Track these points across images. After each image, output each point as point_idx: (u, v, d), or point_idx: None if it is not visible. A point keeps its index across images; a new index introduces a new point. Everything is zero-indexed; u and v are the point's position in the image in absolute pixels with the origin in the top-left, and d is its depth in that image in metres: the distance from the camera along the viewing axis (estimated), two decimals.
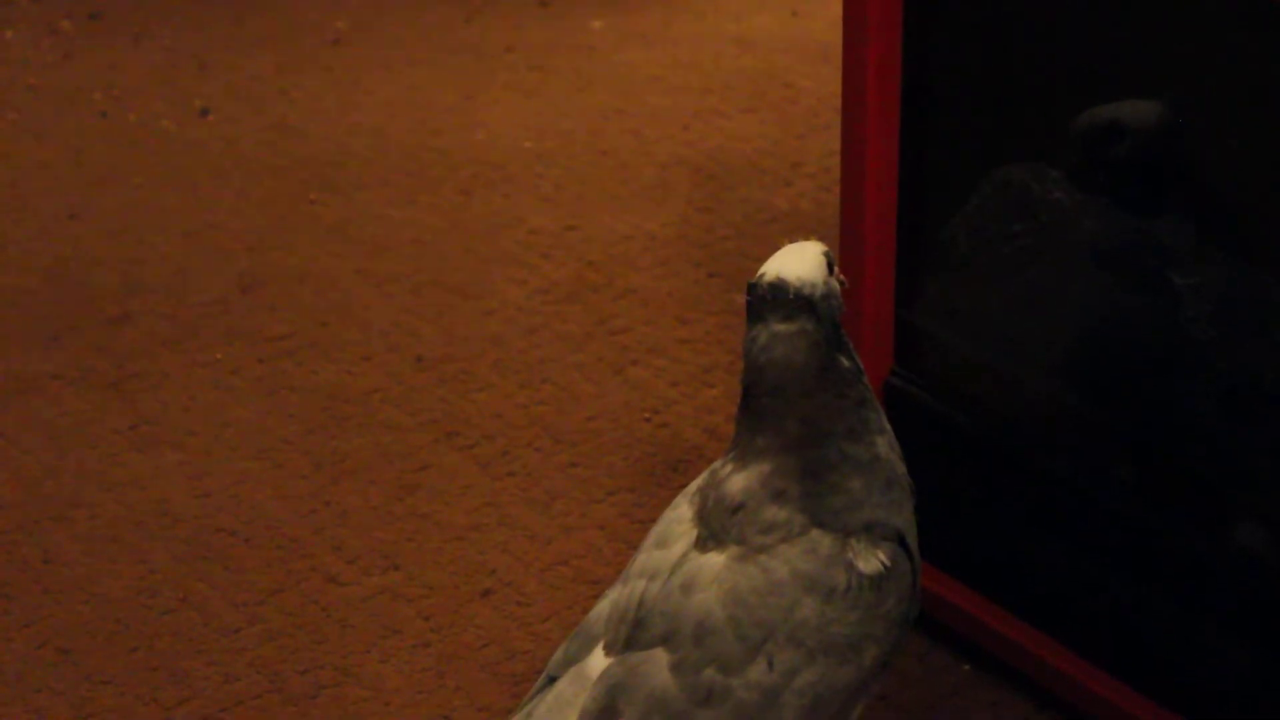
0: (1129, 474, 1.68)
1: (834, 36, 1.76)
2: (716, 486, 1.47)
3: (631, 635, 1.45)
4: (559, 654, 1.51)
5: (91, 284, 2.43)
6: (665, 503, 1.54)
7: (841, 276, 1.48)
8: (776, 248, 2.42)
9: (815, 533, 1.45)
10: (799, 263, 1.44)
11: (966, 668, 1.84)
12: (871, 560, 1.46)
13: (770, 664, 1.43)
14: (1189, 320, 1.61)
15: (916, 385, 1.80)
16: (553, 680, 1.49)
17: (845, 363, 1.46)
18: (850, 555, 1.45)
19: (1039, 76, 1.67)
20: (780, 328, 1.43)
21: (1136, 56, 1.59)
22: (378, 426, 2.18)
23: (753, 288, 1.44)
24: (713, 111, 2.73)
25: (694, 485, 1.52)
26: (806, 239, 1.47)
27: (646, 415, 2.18)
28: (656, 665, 1.44)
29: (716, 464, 1.50)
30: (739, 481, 1.46)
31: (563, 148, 2.66)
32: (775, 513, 1.44)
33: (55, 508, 2.08)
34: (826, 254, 1.45)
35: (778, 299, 1.43)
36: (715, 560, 1.45)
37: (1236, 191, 1.57)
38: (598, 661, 1.46)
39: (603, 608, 1.50)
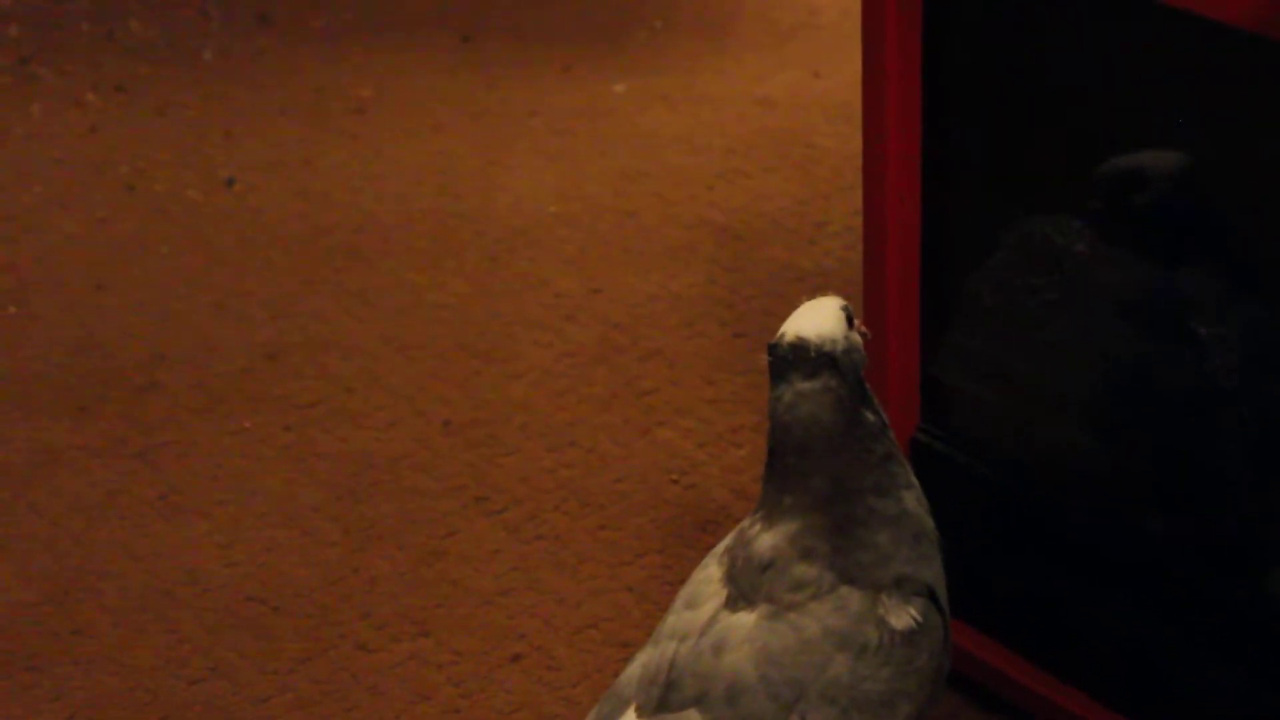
0: (1157, 525, 1.67)
1: (855, 96, 1.76)
2: (745, 546, 1.47)
3: (664, 697, 1.45)
4: (590, 718, 1.50)
5: (119, 354, 2.44)
6: (694, 564, 1.54)
7: (863, 328, 1.48)
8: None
9: (845, 589, 1.44)
10: (818, 319, 1.44)
11: None
12: (903, 616, 1.45)
13: None
14: (1215, 370, 1.61)
15: (943, 441, 1.79)
16: None
17: (870, 417, 1.46)
18: (881, 611, 1.45)
19: (1059, 129, 1.67)
20: (804, 386, 1.43)
21: (1158, 107, 1.58)
22: (405, 492, 2.18)
23: (774, 348, 1.44)
24: (736, 172, 2.74)
25: (722, 546, 1.52)
26: (824, 295, 1.46)
27: (674, 476, 2.18)
28: None
29: (744, 523, 1.50)
30: (768, 540, 1.45)
31: (586, 210, 2.67)
32: (805, 570, 1.44)
33: (84, 578, 2.08)
34: (845, 308, 1.46)
35: (800, 357, 1.43)
36: (746, 620, 1.44)
37: (1260, 240, 1.57)
38: None
39: (633, 670, 1.49)
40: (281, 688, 1.93)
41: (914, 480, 1.50)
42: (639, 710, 1.46)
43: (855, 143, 1.74)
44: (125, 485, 2.21)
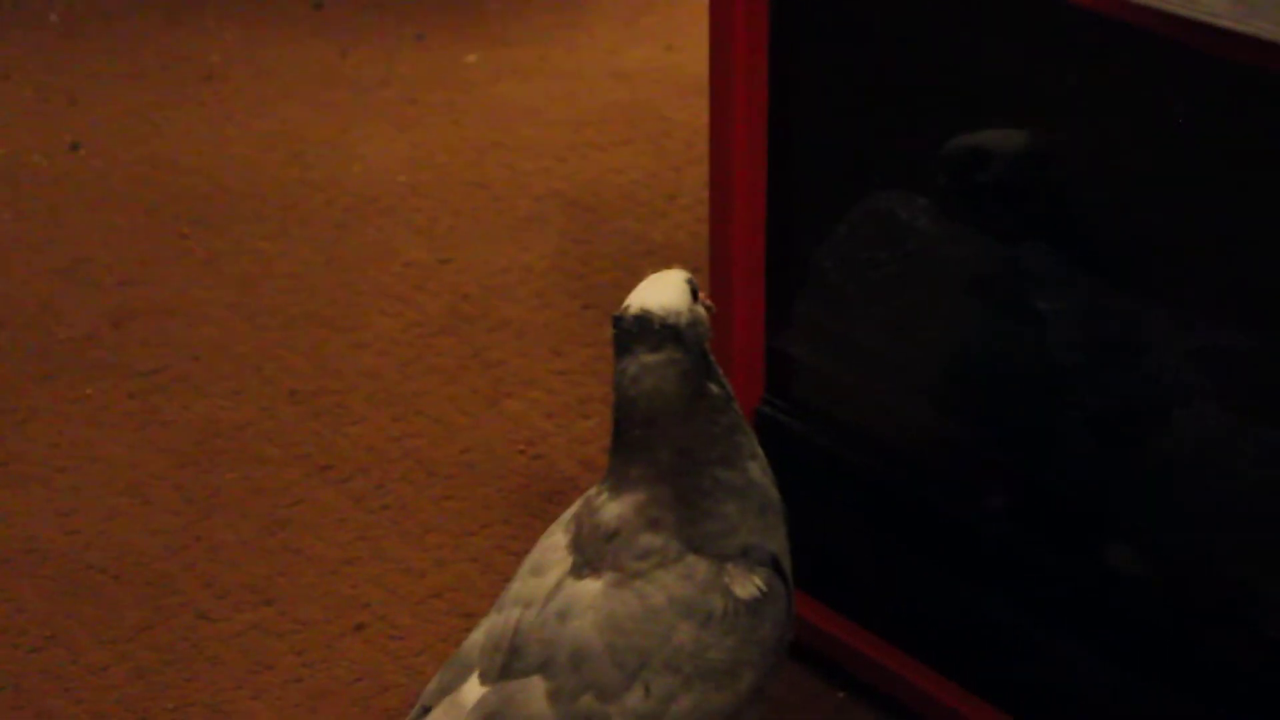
0: (998, 498, 1.69)
1: (707, 70, 1.76)
2: (591, 514, 1.47)
3: (507, 664, 1.44)
4: (433, 684, 1.50)
5: None
6: (540, 535, 1.54)
7: (708, 301, 1.48)
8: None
9: (691, 558, 1.45)
10: (663, 292, 1.44)
11: (841, 695, 1.84)
12: (748, 585, 1.46)
13: (647, 690, 1.43)
14: (1055, 345, 1.63)
15: (787, 413, 1.80)
16: (427, 710, 1.47)
17: (715, 389, 1.46)
18: (726, 580, 1.46)
19: (904, 105, 1.68)
20: (648, 359, 1.43)
21: (999, 84, 1.60)
22: (250, 461, 2.16)
23: (618, 320, 1.44)
24: (588, 144, 2.74)
25: (569, 513, 1.52)
26: (671, 269, 1.47)
27: (521, 447, 2.18)
28: (533, 693, 1.43)
29: (591, 492, 1.50)
30: (614, 509, 1.45)
31: (438, 180, 2.66)
32: (650, 539, 1.44)
33: None
34: (690, 281, 1.46)
35: (644, 329, 1.43)
36: (591, 587, 1.44)
37: (1100, 217, 1.59)
38: (473, 690, 1.45)
39: (476, 638, 1.49)
40: (121, 656, 1.91)
41: (759, 451, 1.51)
42: (482, 677, 1.45)
43: (707, 117, 1.74)
44: None
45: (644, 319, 1.43)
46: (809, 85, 1.72)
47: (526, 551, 1.54)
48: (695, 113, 2.76)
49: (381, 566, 2.02)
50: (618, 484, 1.46)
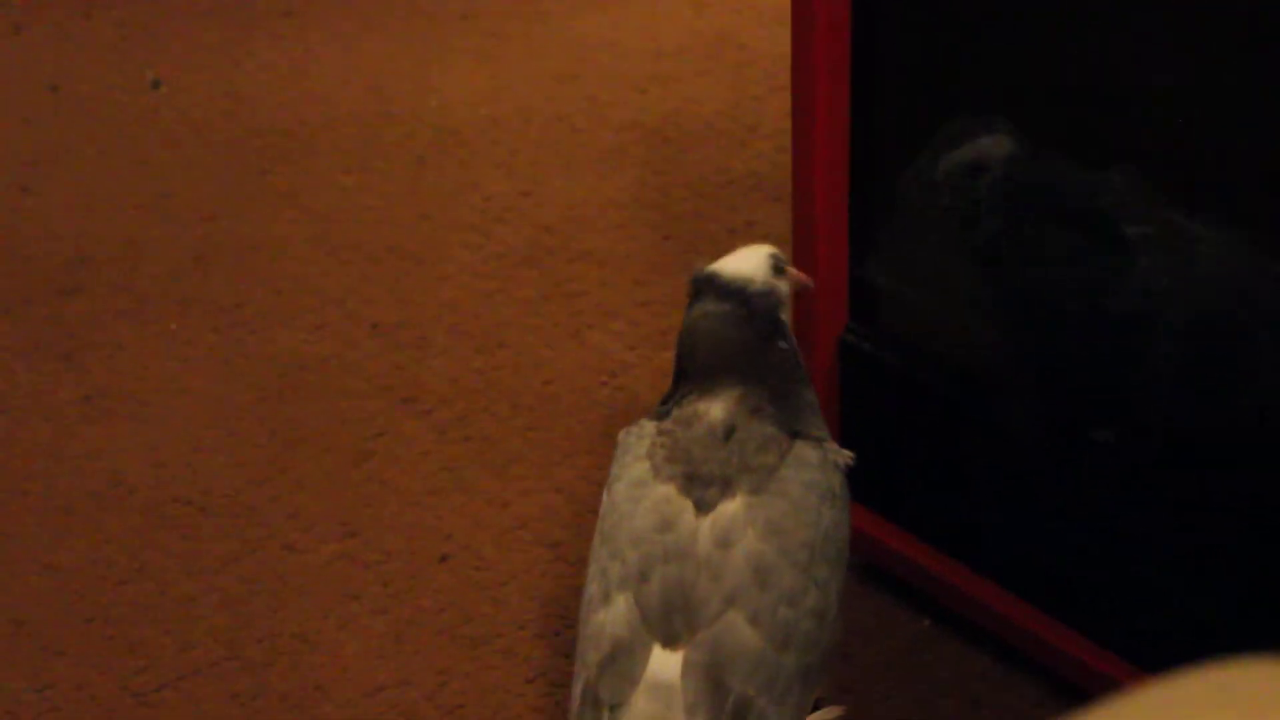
0: (1087, 425, 1.68)
1: None
2: (693, 423, 1.48)
3: (691, 617, 1.42)
4: (581, 684, 1.44)
5: (44, 257, 2.41)
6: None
7: (804, 277, 1.61)
8: (733, 209, 2.42)
9: (799, 442, 1.49)
10: (740, 261, 1.54)
11: (927, 623, 1.84)
12: (843, 456, 1.52)
13: (816, 584, 1.44)
14: (1142, 272, 1.61)
15: (871, 341, 1.80)
16: (614, 709, 1.41)
17: (783, 345, 1.51)
18: (831, 456, 1.51)
19: (991, 28, 1.66)
20: (713, 307, 1.51)
21: (1087, 8, 1.58)
22: (333, 394, 2.17)
23: (694, 276, 1.52)
24: (667, 75, 2.72)
25: (633, 453, 1.51)
26: (758, 245, 1.57)
27: (603, 378, 2.18)
28: (736, 627, 1.41)
29: (636, 428, 1.52)
30: (719, 409, 1.48)
31: (517, 113, 2.65)
32: (764, 428, 1.47)
33: (9, 480, 2.06)
34: (775, 256, 1.55)
35: (710, 286, 1.51)
36: (733, 507, 1.44)
37: (1187, 140, 1.57)
38: (667, 660, 1.41)
39: (614, 615, 1.44)
40: (208, 588, 1.93)
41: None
42: (668, 643, 1.42)
43: (788, 44, 1.73)
44: (50, 388, 2.20)
45: (714, 277, 1.52)
46: (892, 8, 1.70)
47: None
48: (775, 41, 2.73)
49: (465, 498, 2.02)
50: (702, 395, 1.48)
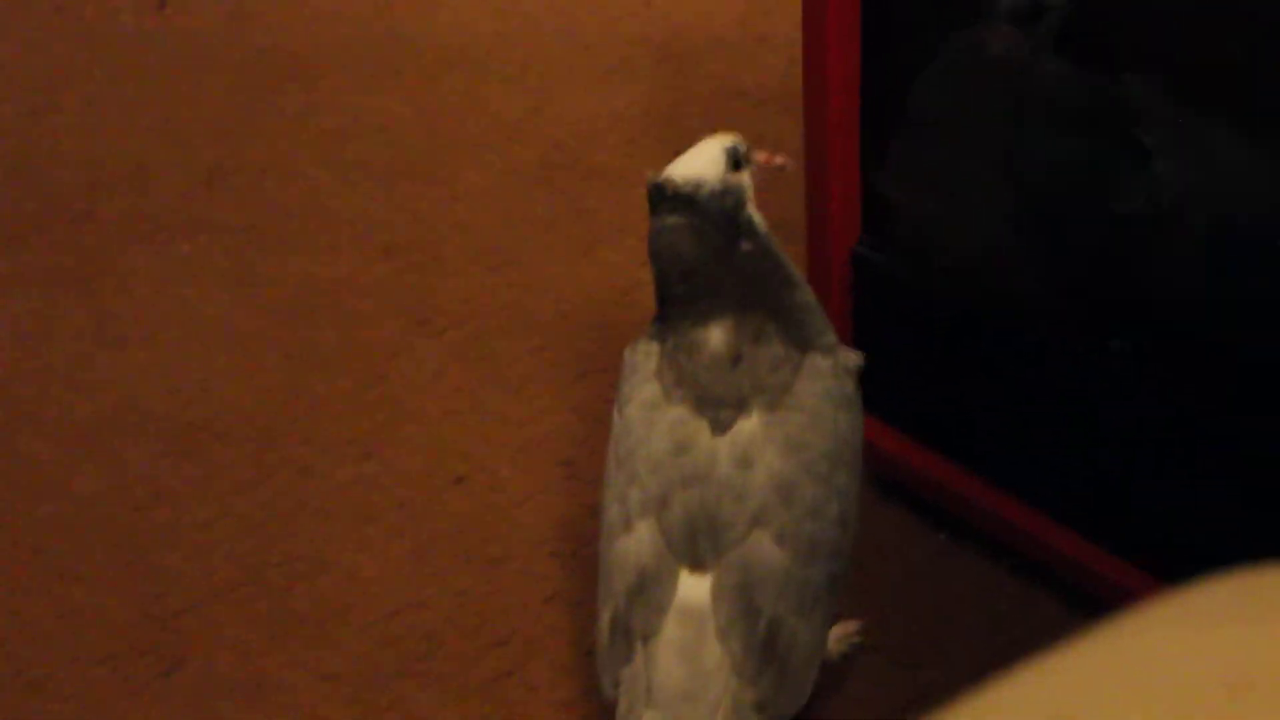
0: (1105, 337, 1.67)
1: None
2: (696, 352, 1.46)
3: (716, 540, 1.41)
4: (609, 611, 1.43)
5: (54, 182, 2.40)
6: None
7: (777, 160, 1.54)
8: (744, 123, 2.40)
9: (809, 355, 1.47)
10: (692, 162, 1.48)
11: (943, 536, 1.83)
12: (853, 358, 1.51)
13: (838, 492, 1.43)
14: (1159, 179, 1.60)
15: (884, 253, 1.78)
16: (646, 638, 1.41)
17: (746, 245, 1.47)
18: (843, 362, 1.49)
19: None
20: (668, 220, 1.48)
21: None
22: (347, 316, 2.16)
23: (648, 185, 1.49)
24: None
25: (643, 370, 1.50)
26: (716, 136, 1.51)
27: (616, 296, 2.17)
28: (763, 546, 1.40)
29: (642, 345, 1.50)
30: (718, 336, 1.46)
31: (525, 30, 2.63)
32: (770, 349, 1.45)
33: (24, 407, 2.06)
34: (731, 149, 1.49)
35: (662, 196, 1.47)
36: (750, 425, 1.43)
37: (1207, 46, 1.55)
38: (696, 584, 1.41)
39: (628, 547, 1.43)
40: (225, 512, 1.93)
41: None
42: (696, 567, 1.41)
43: None
44: (63, 314, 2.19)
45: (664, 186, 1.47)
46: None
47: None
48: None
49: (480, 418, 2.02)
50: (693, 320, 1.46)
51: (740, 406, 1.44)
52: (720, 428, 1.44)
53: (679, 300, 1.48)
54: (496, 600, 1.81)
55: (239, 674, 1.77)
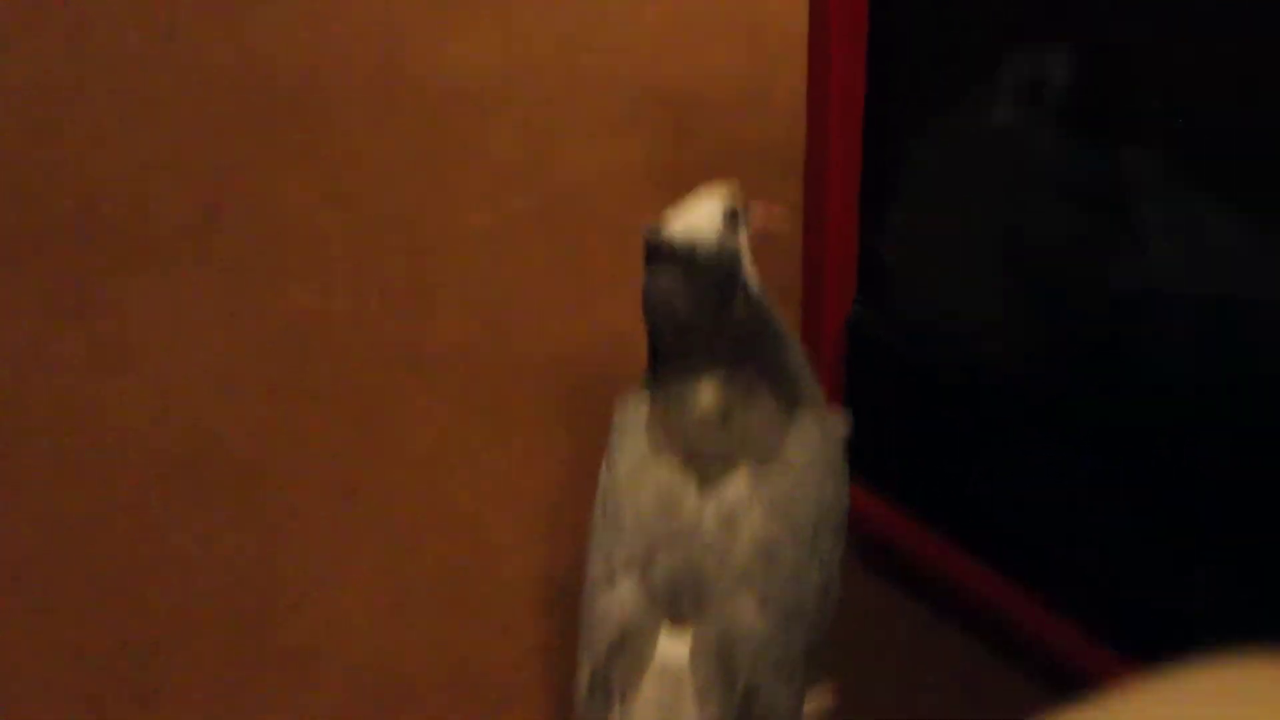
0: (1098, 411, 1.67)
1: None
2: (687, 410, 1.45)
3: (698, 598, 1.40)
4: (588, 667, 1.43)
5: (54, 207, 2.41)
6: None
7: (775, 210, 1.52)
8: (745, 180, 2.41)
9: (798, 413, 1.46)
10: (689, 218, 1.47)
11: (924, 607, 1.83)
12: (840, 427, 1.49)
13: (821, 560, 1.43)
14: (1157, 257, 1.60)
15: (879, 317, 1.79)
16: (624, 695, 1.40)
17: (740, 306, 1.46)
18: (831, 427, 1.48)
19: (1008, 6, 1.65)
20: (662, 277, 1.46)
21: None
22: (340, 354, 2.16)
23: (645, 237, 1.47)
24: (683, 43, 2.71)
25: (633, 425, 1.49)
26: (714, 187, 1.50)
27: (610, 347, 2.17)
28: (744, 608, 1.40)
29: (632, 399, 1.50)
30: (709, 392, 1.45)
31: (531, 75, 2.64)
32: (762, 404, 1.45)
33: (13, 432, 2.06)
34: (730, 210, 1.47)
35: (660, 251, 1.46)
36: (736, 485, 1.43)
37: (1208, 126, 1.56)
38: (675, 643, 1.40)
39: (610, 603, 1.43)
40: (209, 547, 1.92)
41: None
42: (676, 624, 1.40)
43: (803, 13, 1.72)
44: (57, 339, 2.19)
45: (661, 244, 1.46)
46: None
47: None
48: (790, 9, 2.72)
49: (469, 463, 2.02)
50: (683, 374, 1.46)
51: (728, 464, 1.44)
52: (707, 486, 1.44)
53: (671, 355, 1.48)
54: (476, 649, 1.81)
55: (214, 710, 1.76)
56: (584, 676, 1.43)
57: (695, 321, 1.46)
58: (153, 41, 2.73)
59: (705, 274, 1.46)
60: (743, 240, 1.49)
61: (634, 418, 1.50)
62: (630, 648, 1.41)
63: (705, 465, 1.44)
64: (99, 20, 2.77)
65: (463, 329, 2.19)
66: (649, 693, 1.40)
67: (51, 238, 2.35)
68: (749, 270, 1.50)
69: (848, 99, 1.73)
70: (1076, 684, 1.68)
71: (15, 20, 2.77)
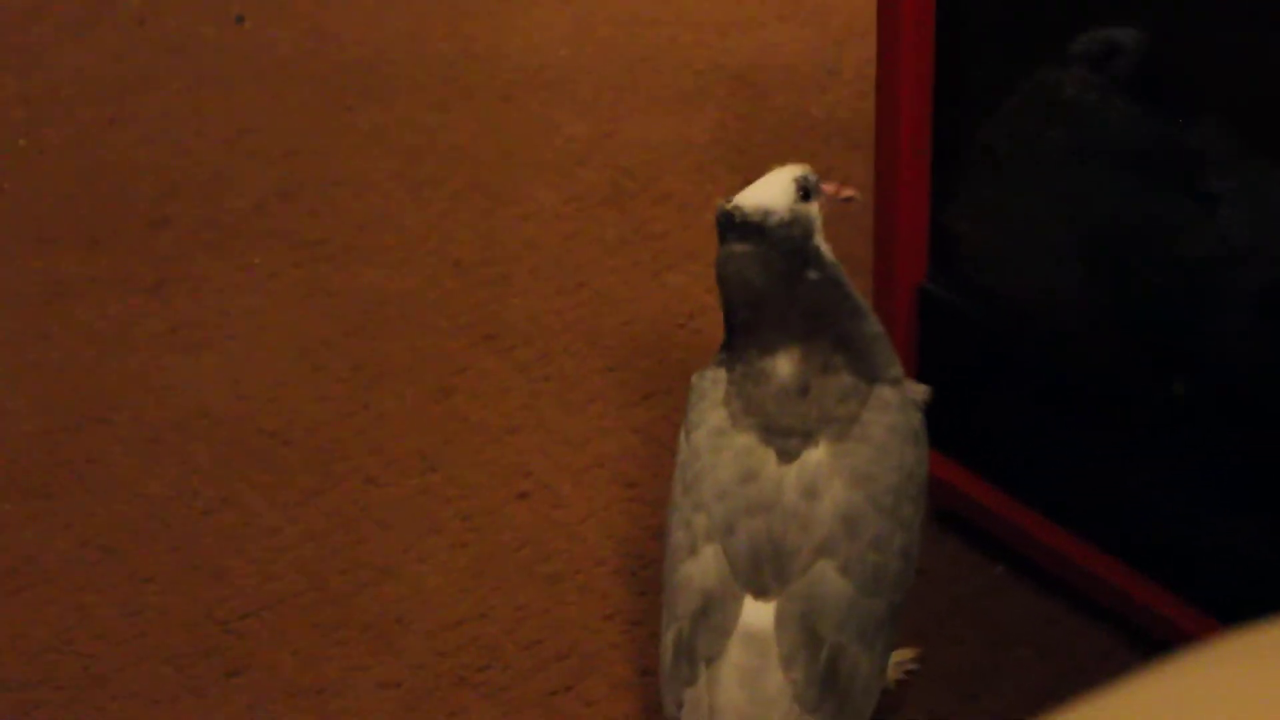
0: (1164, 380, 1.69)
1: None
2: (763, 383, 1.47)
3: (781, 569, 1.43)
4: (672, 634, 1.45)
5: (130, 189, 2.44)
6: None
7: (846, 192, 1.55)
8: (813, 155, 2.43)
9: (877, 387, 1.49)
10: (763, 191, 1.49)
11: (999, 569, 1.85)
12: (920, 392, 1.52)
13: (902, 525, 1.45)
14: (1224, 226, 1.61)
15: (951, 291, 1.80)
16: (710, 661, 1.43)
17: (814, 275, 1.48)
18: (910, 395, 1.51)
19: None
20: (736, 248, 1.48)
21: None
22: (415, 330, 2.20)
23: (718, 213, 1.49)
24: (749, 19, 2.73)
25: (711, 396, 1.51)
26: (788, 166, 1.52)
27: (682, 320, 2.19)
28: (827, 576, 1.43)
29: (710, 373, 1.51)
30: (786, 367, 1.47)
31: (599, 54, 2.66)
32: (839, 380, 1.46)
33: (97, 409, 2.10)
34: (802, 179, 1.49)
35: (732, 224, 1.48)
36: (817, 455, 1.45)
37: (1275, 95, 1.57)
38: (760, 611, 1.43)
39: (693, 571, 1.45)
40: (291, 519, 1.96)
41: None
42: (760, 595, 1.43)
43: None
44: (136, 319, 2.23)
45: (733, 214, 1.48)
46: None
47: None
48: None
49: (544, 436, 2.05)
50: (760, 349, 1.48)
51: (807, 437, 1.46)
52: (787, 457, 1.45)
53: (747, 328, 1.49)
54: (556, 615, 1.84)
55: (300, 679, 1.80)
56: (669, 643, 1.46)
57: (769, 293, 1.47)
58: (224, 27, 2.76)
59: (778, 244, 1.47)
60: (815, 211, 1.51)
61: (711, 390, 1.52)
62: (713, 614, 1.44)
63: (785, 437, 1.46)
64: (169, 7, 2.81)
65: (536, 303, 2.22)
66: (734, 657, 1.42)
67: (130, 220, 2.39)
68: (821, 241, 1.52)
69: (917, 74, 1.75)
70: (1152, 644, 1.70)
71: (88, 12, 2.81)
